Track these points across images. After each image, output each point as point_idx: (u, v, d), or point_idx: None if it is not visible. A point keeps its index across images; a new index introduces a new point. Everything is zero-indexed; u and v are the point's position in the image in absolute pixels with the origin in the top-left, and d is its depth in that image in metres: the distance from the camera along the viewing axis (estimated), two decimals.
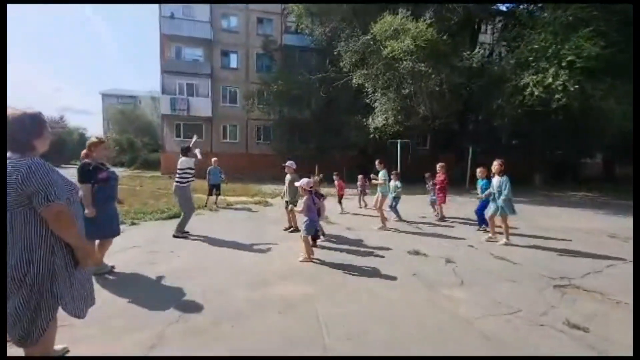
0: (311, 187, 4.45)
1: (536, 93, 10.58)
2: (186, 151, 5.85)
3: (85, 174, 3.48)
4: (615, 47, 9.93)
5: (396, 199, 7.39)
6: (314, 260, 4.32)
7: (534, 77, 10.67)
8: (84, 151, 3.62)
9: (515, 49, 12.55)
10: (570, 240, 5.79)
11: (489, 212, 5.65)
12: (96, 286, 3.36)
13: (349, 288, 3.43)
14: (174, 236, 5.47)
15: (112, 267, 3.83)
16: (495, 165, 5.52)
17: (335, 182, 8.97)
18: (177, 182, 5.61)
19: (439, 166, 7.82)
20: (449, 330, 2.60)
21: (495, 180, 5.51)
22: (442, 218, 7.69)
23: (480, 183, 6.46)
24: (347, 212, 8.50)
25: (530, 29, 11.78)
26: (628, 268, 4.27)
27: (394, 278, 3.73)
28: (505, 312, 2.87)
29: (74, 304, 1.88)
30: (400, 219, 7.39)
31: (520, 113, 12.79)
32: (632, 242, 5.72)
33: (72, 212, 1.86)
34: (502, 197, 5.26)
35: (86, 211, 3.44)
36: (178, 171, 5.66)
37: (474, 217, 6.85)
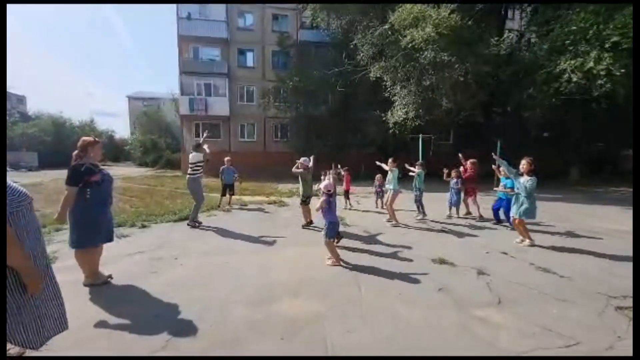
0: (329, 191, 4.19)
1: (574, 79, 9.58)
2: (197, 147, 6.52)
3: (77, 176, 3.18)
4: None
5: (420, 192, 7.07)
6: (342, 264, 4.09)
7: (572, 61, 9.64)
8: (76, 152, 3.35)
9: (549, 32, 11.46)
10: (625, 247, 5.00)
11: (512, 214, 5.18)
12: (86, 300, 3.10)
13: (364, 306, 2.97)
14: (188, 224, 6.28)
15: (109, 277, 3.57)
16: (524, 164, 5.01)
17: (344, 176, 9.02)
18: (189, 174, 6.37)
19: (469, 163, 7.34)
20: None
21: (523, 179, 4.97)
22: (468, 213, 7.45)
23: (503, 181, 6.24)
24: (356, 208, 8.54)
25: (566, 9, 10.70)
26: None
27: (416, 294, 3.23)
28: (560, 345, 2.32)
29: (24, 334, 1.57)
30: (424, 216, 7.07)
31: (554, 103, 11.72)
32: None
33: (16, 229, 1.53)
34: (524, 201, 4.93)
35: (55, 215, 3.21)
36: (190, 165, 6.38)
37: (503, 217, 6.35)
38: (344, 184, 8.95)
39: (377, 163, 7.65)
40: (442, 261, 4.21)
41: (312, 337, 2.45)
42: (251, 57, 22.69)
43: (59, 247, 4.61)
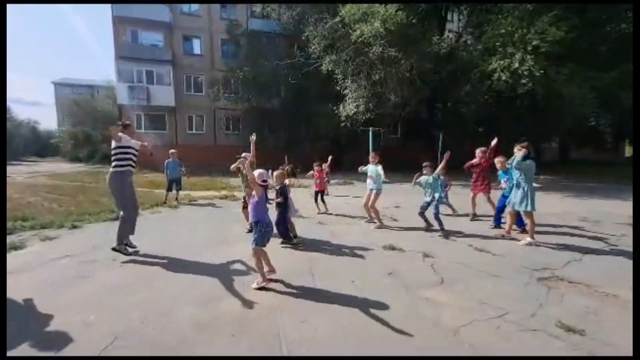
0: (264, 181, 3.30)
1: (503, 78, 10.61)
2: (125, 127, 4.44)
3: None
4: (575, 32, 10.08)
5: (440, 199, 5.37)
6: (272, 282, 3.26)
7: (501, 62, 10.67)
8: None
9: (482, 34, 12.52)
10: (545, 226, 5.69)
11: (521, 208, 4.56)
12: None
13: (319, 297, 2.97)
14: (113, 249, 4.17)
15: None
16: (517, 149, 4.46)
17: (315, 173, 7.09)
18: (112, 168, 4.21)
19: (479, 151, 6.24)
20: (433, 344, 2.23)
21: (520, 164, 4.41)
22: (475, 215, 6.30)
23: (503, 176, 5.52)
24: (331, 212, 6.85)
25: (496, 14, 11.76)
26: (606, 254, 4.16)
27: (368, 281, 3.32)
28: (493, 316, 2.56)
29: None
30: (442, 230, 5.19)
31: (487, 99, 12.89)
32: (602, 225, 5.79)
33: None
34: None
35: None
36: (112, 152, 4.23)
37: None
38: (317, 184, 7.03)
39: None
40: (392, 248, 4.40)
41: (264, 331, 2.39)
42: (198, 44, 21.36)
43: None
